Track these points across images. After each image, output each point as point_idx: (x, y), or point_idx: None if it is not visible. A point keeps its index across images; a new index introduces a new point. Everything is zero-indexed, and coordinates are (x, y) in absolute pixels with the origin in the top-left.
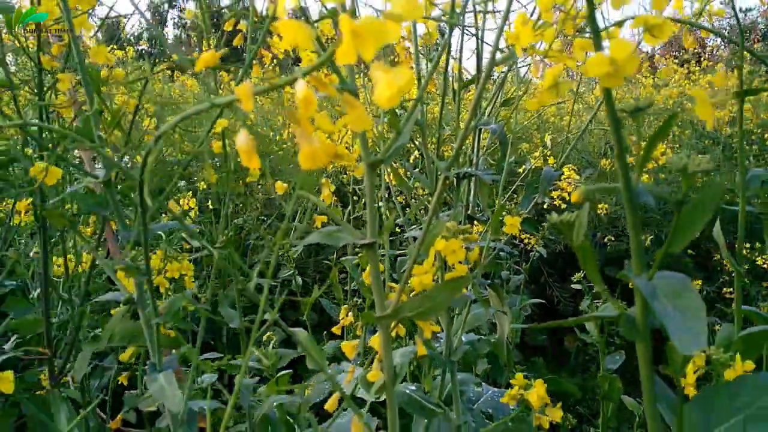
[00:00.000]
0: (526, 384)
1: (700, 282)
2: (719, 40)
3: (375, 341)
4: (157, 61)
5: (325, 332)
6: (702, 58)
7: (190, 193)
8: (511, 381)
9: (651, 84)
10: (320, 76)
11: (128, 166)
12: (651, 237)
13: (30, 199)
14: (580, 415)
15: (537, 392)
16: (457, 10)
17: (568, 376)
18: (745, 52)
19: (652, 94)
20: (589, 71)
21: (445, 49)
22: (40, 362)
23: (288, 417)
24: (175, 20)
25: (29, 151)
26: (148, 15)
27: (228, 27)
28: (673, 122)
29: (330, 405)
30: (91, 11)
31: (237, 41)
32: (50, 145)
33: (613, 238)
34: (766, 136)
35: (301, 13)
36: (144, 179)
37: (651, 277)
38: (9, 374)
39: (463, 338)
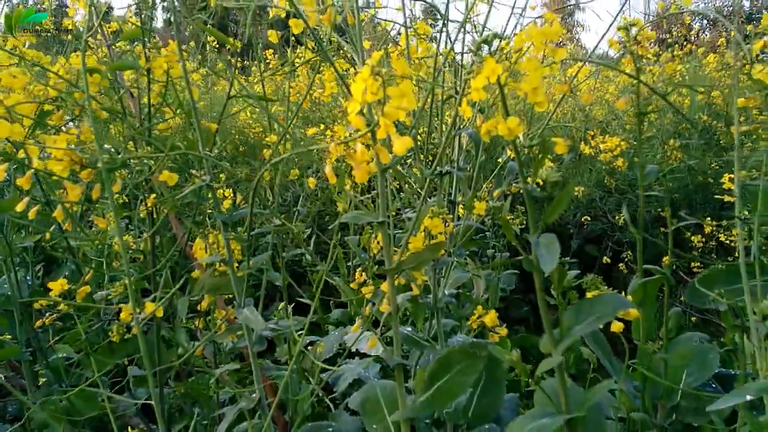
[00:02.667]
0: (484, 312)
1: (669, 257)
2: (705, 21)
3: (384, 286)
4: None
5: (331, 302)
6: (686, 41)
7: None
8: (473, 312)
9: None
10: (366, 138)
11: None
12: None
13: (153, 195)
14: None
15: (490, 317)
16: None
17: None
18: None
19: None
20: (499, 131)
21: (429, 93)
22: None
23: (303, 371)
24: (165, 4)
25: (152, 163)
26: None
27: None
28: (545, 155)
29: (354, 328)
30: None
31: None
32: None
33: (589, 218)
34: (741, 117)
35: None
36: (257, 185)
37: (538, 236)
38: (151, 304)
39: (446, 292)
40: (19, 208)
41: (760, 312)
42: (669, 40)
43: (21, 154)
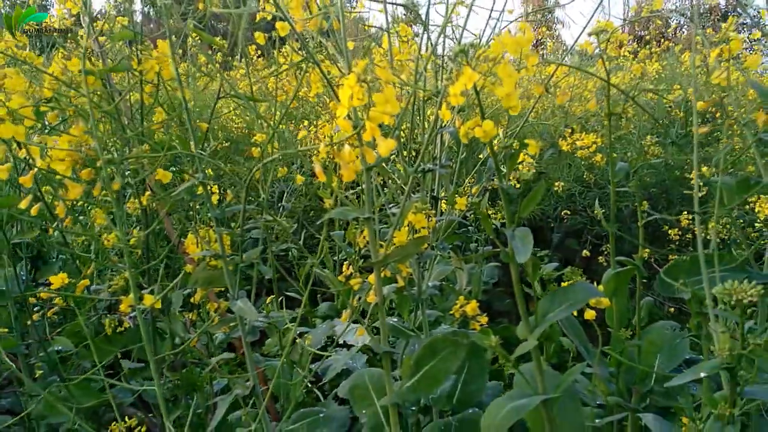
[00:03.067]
0: (466, 302)
1: (648, 251)
2: (682, 19)
3: (372, 278)
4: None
5: (318, 295)
6: (663, 38)
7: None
8: (456, 301)
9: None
10: (353, 139)
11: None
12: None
13: (148, 193)
14: None
15: (471, 306)
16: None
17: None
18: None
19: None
20: (476, 134)
21: (411, 95)
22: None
23: (292, 363)
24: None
25: (145, 161)
26: None
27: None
28: (518, 155)
29: (343, 318)
30: None
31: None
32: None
33: (569, 213)
34: (717, 114)
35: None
36: (249, 183)
37: (513, 230)
38: (149, 296)
39: (430, 284)
40: (23, 205)
41: (720, 297)
42: (647, 37)
43: (22, 153)
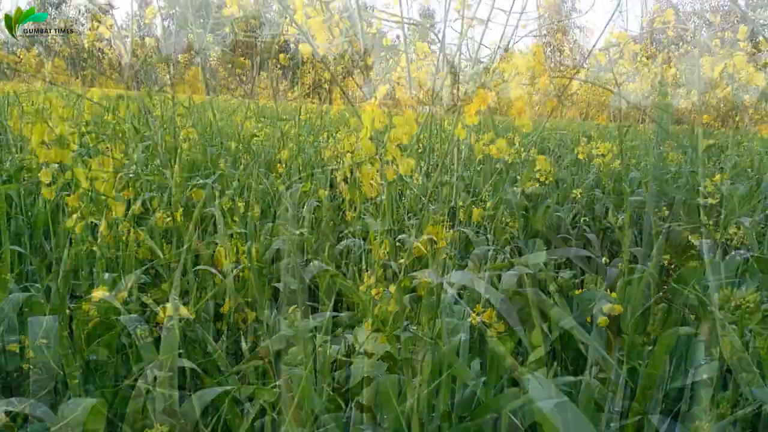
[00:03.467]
0: (483, 310)
1: (655, 257)
2: (700, 22)
3: (392, 288)
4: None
5: (339, 304)
6: (682, 41)
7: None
8: (474, 310)
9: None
10: (374, 159)
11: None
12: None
13: (181, 209)
14: None
15: (488, 314)
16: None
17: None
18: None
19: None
20: (490, 151)
21: (428, 114)
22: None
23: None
24: (162, 12)
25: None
26: (135, 5)
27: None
28: (533, 167)
29: (366, 326)
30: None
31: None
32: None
33: (587, 219)
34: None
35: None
36: (277, 200)
37: (527, 239)
38: (186, 307)
39: (448, 293)
40: (69, 224)
41: (725, 302)
42: (664, 41)
43: (68, 175)
